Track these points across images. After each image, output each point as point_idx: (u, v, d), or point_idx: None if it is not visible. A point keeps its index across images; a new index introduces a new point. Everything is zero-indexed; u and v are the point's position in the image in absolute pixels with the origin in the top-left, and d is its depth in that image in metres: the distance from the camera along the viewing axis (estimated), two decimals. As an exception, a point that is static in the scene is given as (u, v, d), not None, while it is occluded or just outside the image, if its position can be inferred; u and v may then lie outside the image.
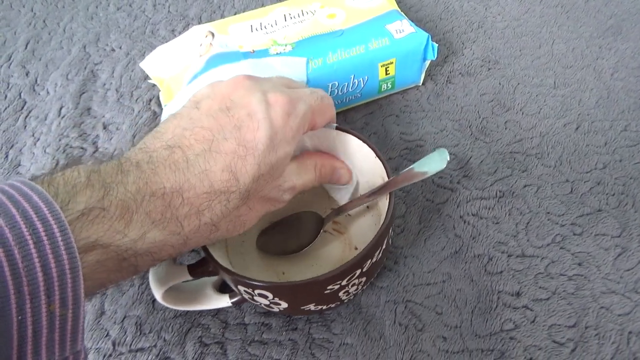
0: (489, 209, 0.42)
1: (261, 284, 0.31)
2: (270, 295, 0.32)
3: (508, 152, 0.47)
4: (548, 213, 0.42)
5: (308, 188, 0.37)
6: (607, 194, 0.43)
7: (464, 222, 0.42)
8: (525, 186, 0.44)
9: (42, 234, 0.20)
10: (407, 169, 0.36)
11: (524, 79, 0.53)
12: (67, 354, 0.22)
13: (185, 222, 0.28)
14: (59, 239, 0.21)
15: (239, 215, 0.31)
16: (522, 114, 0.50)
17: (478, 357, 0.35)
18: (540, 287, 0.38)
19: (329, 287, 0.31)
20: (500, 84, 0.53)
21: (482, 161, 0.46)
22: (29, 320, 0.20)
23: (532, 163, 0.46)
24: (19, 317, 0.20)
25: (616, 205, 0.42)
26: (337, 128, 0.38)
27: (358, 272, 0.32)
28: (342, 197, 0.41)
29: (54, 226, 0.21)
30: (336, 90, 0.48)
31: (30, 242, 0.20)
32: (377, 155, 0.36)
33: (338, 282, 0.31)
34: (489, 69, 0.55)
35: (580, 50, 0.56)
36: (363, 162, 0.38)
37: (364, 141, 0.37)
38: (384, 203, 0.36)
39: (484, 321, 0.36)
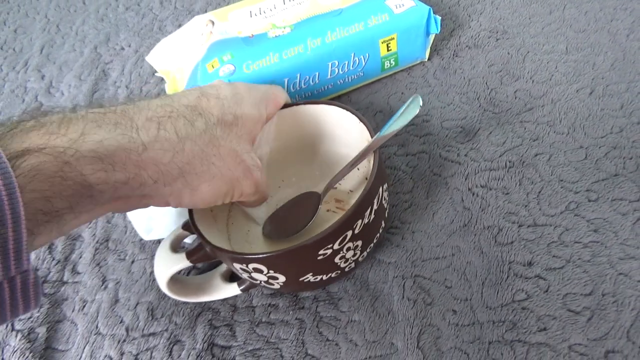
0: (499, 179, 0.41)
1: (252, 256, 0.30)
2: (265, 269, 0.31)
3: (518, 121, 0.45)
4: (561, 180, 0.40)
5: (264, 197, 0.37)
6: (624, 157, 0.41)
7: (473, 194, 0.41)
8: (536, 155, 0.42)
9: None
10: (385, 125, 0.36)
11: (534, 47, 0.51)
12: (13, 273, 0.21)
13: (141, 128, 0.26)
14: None
15: (207, 152, 0.29)
16: (533, 82, 0.48)
17: (489, 328, 0.34)
18: (553, 256, 0.36)
19: (321, 252, 0.31)
20: (509, 53, 0.51)
21: (490, 132, 0.45)
22: None
23: (544, 131, 0.44)
24: None
25: (634, 168, 0.40)
26: (320, 101, 0.39)
27: (349, 233, 0.31)
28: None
29: None
30: (337, 70, 0.47)
31: None
32: (360, 120, 0.36)
33: (329, 246, 0.31)
34: (497, 40, 0.53)
35: (593, 13, 0.53)
36: (349, 130, 0.38)
37: (346, 109, 0.38)
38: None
39: (494, 293, 0.35)
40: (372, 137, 0.35)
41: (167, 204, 0.30)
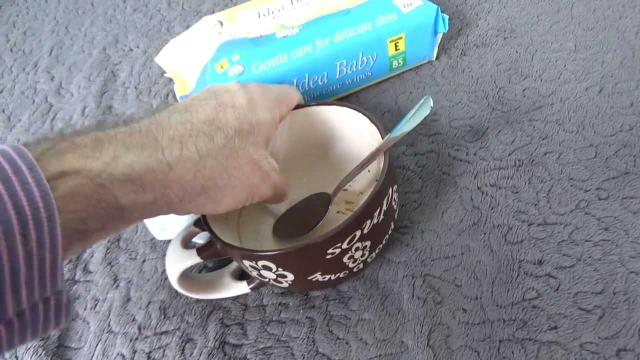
0: (508, 178, 0.41)
1: (262, 254, 0.31)
2: (274, 266, 0.32)
3: (527, 120, 0.45)
4: (571, 179, 0.40)
5: (283, 195, 0.37)
6: (634, 155, 0.40)
7: (482, 193, 0.41)
8: (545, 153, 0.42)
9: (9, 171, 0.20)
10: (396, 126, 0.36)
11: (542, 45, 0.51)
12: (48, 294, 0.22)
13: (166, 148, 0.27)
14: (27, 174, 0.20)
15: (227, 165, 0.30)
16: (541, 80, 0.48)
17: (500, 327, 0.34)
18: (564, 255, 0.36)
19: (329, 251, 0.31)
20: (517, 52, 0.51)
21: (499, 131, 0.45)
22: (5, 258, 0.19)
23: (553, 129, 0.44)
24: None
25: (644, 166, 0.40)
26: (331, 103, 0.39)
27: (358, 233, 0.31)
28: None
29: (20, 163, 0.20)
30: (345, 69, 0.47)
31: None
32: (372, 121, 0.37)
33: (338, 246, 0.31)
34: (505, 38, 0.53)
35: (601, 11, 0.53)
36: (360, 131, 0.38)
37: (357, 110, 0.38)
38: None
39: (505, 291, 0.35)
40: (383, 138, 0.36)
41: (189, 213, 0.31)
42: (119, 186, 0.24)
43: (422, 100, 0.37)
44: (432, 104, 0.36)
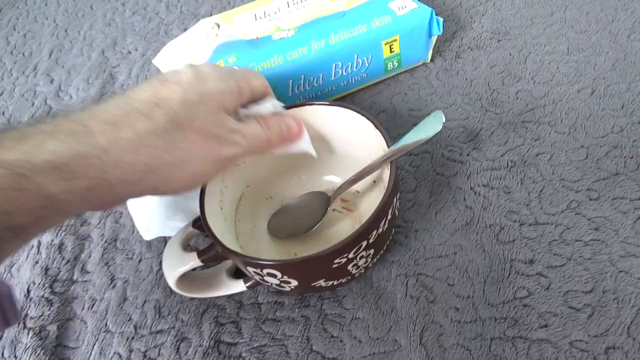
0: (500, 179, 0.42)
1: (268, 262, 0.31)
2: (279, 274, 0.32)
3: (520, 121, 0.46)
4: (562, 180, 0.41)
5: (259, 142, 0.35)
6: (624, 157, 0.41)
7: (475, 193, 0.41)
8: (537, 154, 0.43)
9: None
10: (405, 136, 0.36)
11: (535, 48, 0.52)
12: None
13: (98, 133, 0.26)
14: None
15: (175, 141, 0.29)
16: (534, 82, 0.49)
17: (491, 325, 0.34)
18: (554, 254, 0.37)
19: (336, 261, 0.31)
20: (510, 54, 0.52)
21: (492, 132, 0.45)
22: None
23: (545, 131, 0.44)
24: None
25: (635, 167, 0.40)
26: (336, 104, 0.38)
27: (364, 243, 0.32)
28: (305, 147, 0.39)
29: None
30: (340, 71, 0.48)
31: None
32: (376, 126, 0.36)
33: (345, 255, 0.31)
34: (499, 41, 0.54)
35: (594, 14, 0.54)
36: (362, 135, 0.38)
37: (361, 114, 0.37)
38: (387, 176, 0.36)
39: (496, 290, 0.36)
40: (388, 145, 0.35)
41: (143, 195, 0.30)
42: (43, 174, 0.23)
43: (432, 115, 0.36)
44: (444, 120, 0.35)
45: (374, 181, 0.41)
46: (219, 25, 0.51)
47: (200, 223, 0.36)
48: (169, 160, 0.29)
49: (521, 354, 0.33)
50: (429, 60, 0.53)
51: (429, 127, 0.35)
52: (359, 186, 0.41)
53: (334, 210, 0.41)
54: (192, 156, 0.30)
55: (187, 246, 0.37)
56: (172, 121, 0.29)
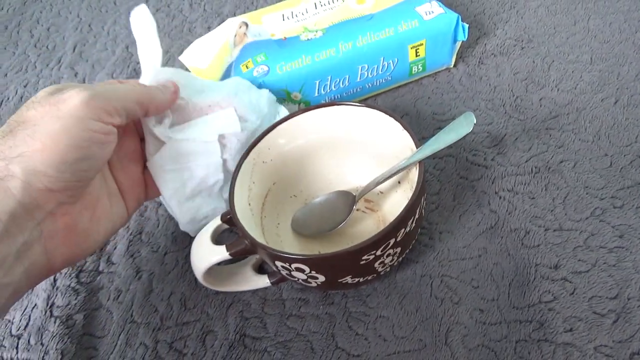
0: (525, 184, 0.42)
1: (298, 257, 0.32)
2: (307, 269, 0.32)
3: (543, 128, 0.46)
4: (586, 187, 0.41)
5: (129, 102, 0.34)
6: (649, 166, 0.41)
7: (499, 197, 0.42)
8: (561, 161, 0.43)
9: None
10: (435, 136, 0.37)
11: (558, 56, 0.52)
12: None
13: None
14: None
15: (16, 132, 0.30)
16: (558, 90, 0.49)
17: (516, 328, 0.35)
18: (579, 260, 0.37)
19: (364, 258, 0.32)
20: (534, 62, 0.52)
21: (516, 138, 0.46)
22: None
23: (569, 138, 0.45)
24: None
25: (659, 177, 0.41)
26: (362, 104, 0.39)
27: (392, 241, 0.32)
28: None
29: None
30: (366, 73, 0.49)
31: None
32: (404, 127, 0.37)
33: (373, 252, 0.32)
34: (522, 48, 0.54)
35: (618, 24, 0.54)
36: (390, 136, 0.39)
37: (389, 115, 0.38)
38: (413, 177, 0.37)
39: (521, 293, 0.36)
40: (417, 146, 0.36)
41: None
42: None
43: (462, 116, 0.37)
44: (474, 121, 0.36)
45: (399, 182, 0.41)
46: (247, 25, 0.51)
47: (229, 217, 0.36)
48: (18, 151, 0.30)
49: (547, 357, 0.33)
50: (452, 66, 0.54)
51: (460, 128, 0.36)
52: (383, 187, 0.42)
53: (357, 210, 0.42)
54: (40, 135, 0.30)
55: (215, 240, 0.37)
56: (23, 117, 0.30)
